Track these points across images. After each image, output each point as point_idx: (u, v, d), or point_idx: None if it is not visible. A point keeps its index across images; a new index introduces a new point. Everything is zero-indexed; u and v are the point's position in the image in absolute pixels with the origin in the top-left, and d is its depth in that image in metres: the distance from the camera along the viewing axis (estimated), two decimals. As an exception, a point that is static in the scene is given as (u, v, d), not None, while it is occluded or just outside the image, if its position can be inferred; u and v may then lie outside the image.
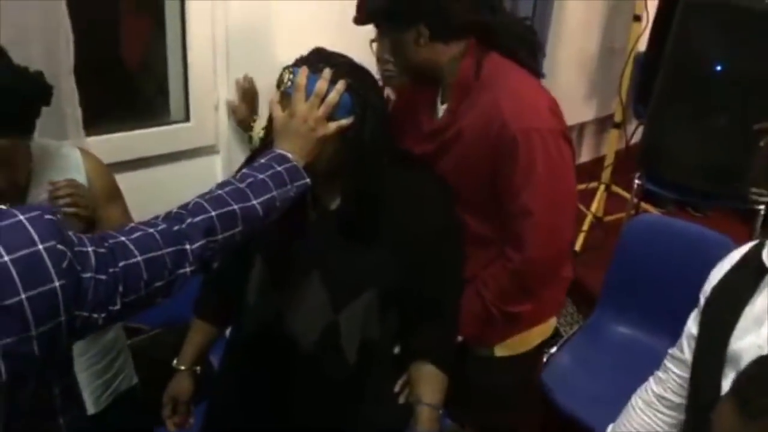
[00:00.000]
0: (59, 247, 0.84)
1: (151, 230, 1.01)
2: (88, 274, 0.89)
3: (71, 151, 1.48)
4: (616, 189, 3.56)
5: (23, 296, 0.80)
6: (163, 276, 1.00)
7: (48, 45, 1.75)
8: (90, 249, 0.90)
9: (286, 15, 2.30)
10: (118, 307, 0.93)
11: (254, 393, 1.48)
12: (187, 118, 2.26)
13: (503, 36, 1.50)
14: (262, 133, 2.12)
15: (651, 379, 1.43)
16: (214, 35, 2.19)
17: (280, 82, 1.32)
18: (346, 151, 1.30)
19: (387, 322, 1.43)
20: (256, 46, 2.27)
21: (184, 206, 1.08)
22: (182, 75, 2.23)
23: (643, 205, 3.43)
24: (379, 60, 1.93)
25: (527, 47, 1.53)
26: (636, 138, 3.32)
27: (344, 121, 1.27)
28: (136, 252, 0.97)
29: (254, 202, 1.12)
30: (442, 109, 1.57)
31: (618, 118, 3.45)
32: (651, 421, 1.39)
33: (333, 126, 1.25)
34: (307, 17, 2.32)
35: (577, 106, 3.88)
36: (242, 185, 1.13)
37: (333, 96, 1.24)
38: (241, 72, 2.27)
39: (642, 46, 3.41)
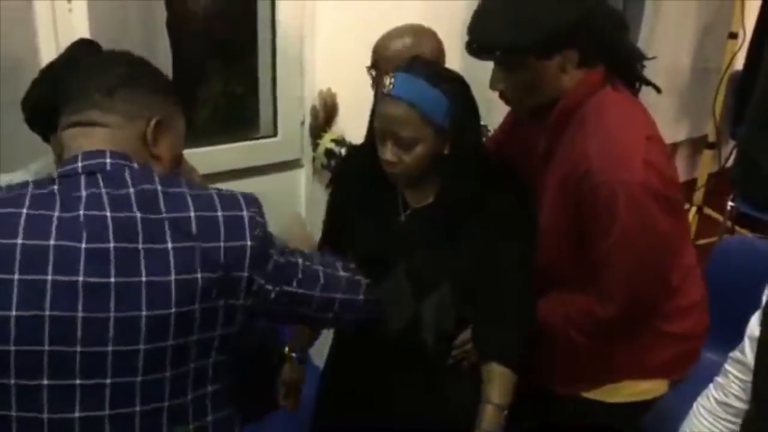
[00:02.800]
0: (258, 218, 1.07)
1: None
2: (273, 251, 1.10)
3: None
4: (708, 211, 3.44)
5: (222, 244, 1.02)
6: (335, 299, 1.24)
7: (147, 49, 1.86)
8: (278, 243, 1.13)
9: (374, 33, 2.36)
10: (293, 288, 1.14)
11: (353, 380, 1.60)
12: (275, 134, 2.36)
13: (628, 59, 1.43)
14: (329, 144, 2.22)
15: (711, 386, 1.38)
16: (301, 56, 2.29)
17: (381, 87, 1.39)
18: (440, 155, 1.39)
19: (462, 316, 1.49)
20: (342, 64, 2.34)
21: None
22: (271, 93, 2.34)
23: (738, 229, 3.29)
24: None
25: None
26: (731, 160, 3.19)
27: None
28: (319, 266, 1.22)
29: None
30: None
31: (711, 138, 3.34)
32: (713, 428, 1.34)
33: None
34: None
35: (668, 126, 3.76)
36: None
37: None
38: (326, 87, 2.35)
39: (739, 64, 3.30)
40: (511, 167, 1.52)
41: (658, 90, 1.50)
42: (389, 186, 1.49)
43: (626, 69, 1.44)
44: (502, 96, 1.46)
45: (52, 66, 1.43)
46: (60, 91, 1.13)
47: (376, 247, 1.51)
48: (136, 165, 1.05)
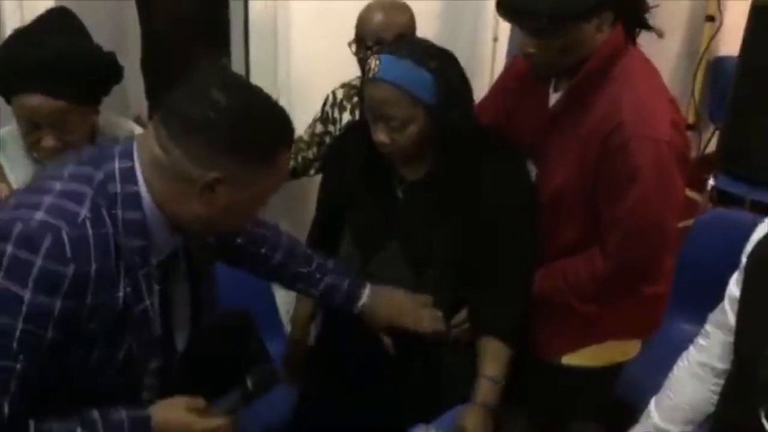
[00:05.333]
0: None
1: None
2: None
3: (133, 127, 1.63)
4: (689, 193, 3.45)
5: None
6: None
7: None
8: None
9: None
10: None
11: (343, 359, 1.60)
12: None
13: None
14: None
15: (692, 348, 1.40)
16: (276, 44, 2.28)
17: (368, 70, 1.39)
18: (433, 132, 1.39)
19: (461, 295, 1.50)
20: (318, 51, 2.33)
21: None
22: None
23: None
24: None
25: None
26: (711, 144, 3.22)
27: None
28: None
29: None
30: (554, 97, 1.51)
31: (691, 121, 3.36)
32: (696, 389, 1.35)
33: None
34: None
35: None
36: None
37: None
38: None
39: (717, 48, 3.31)
40: (502, 135, 1.53)
41: (659, 35, 1.49)
42: (384, 162, 1.49)
43: (633, 16, 1.43)
44: (528, 59, 1.43)
45: (25, 30, 1.44)
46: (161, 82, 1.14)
47: (373, 223, 1.51)
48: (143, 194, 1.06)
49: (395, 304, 1.46)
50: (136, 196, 1.06)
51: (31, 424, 1.04)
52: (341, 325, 1.63)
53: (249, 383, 1.21)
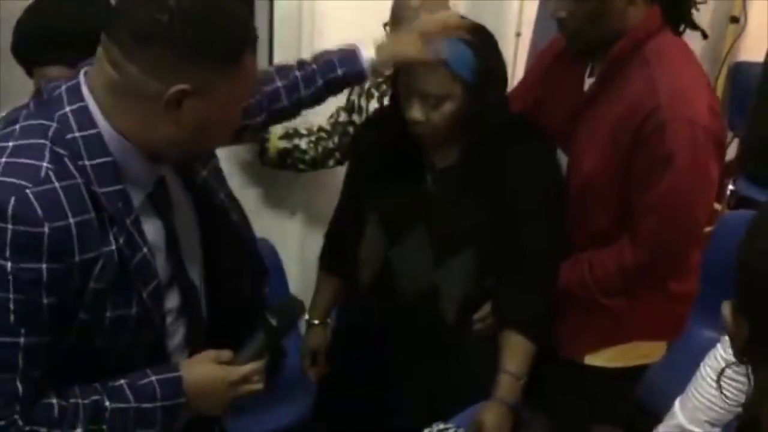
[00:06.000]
0: None
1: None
2: None
3: None
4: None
5: None
6: None
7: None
8: None
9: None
10: None
11: (361, 343, 1.58)
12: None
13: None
14: (280, 144, 2.04)
15: (718, 346, 1.37)
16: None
17: None
18: (468, 112, 1.36)
19: (485, 286, 1.47)
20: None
21: None
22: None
23: (738, 214, 3.26)
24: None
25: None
26: (730, 152, 3.16)
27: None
28: None
29: None
30: (588, 82, 1.49)
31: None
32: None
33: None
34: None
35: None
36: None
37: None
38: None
39: (742, 52, 3.25)
40: (532, 122, 1.51)
41: (705, 35, 1.48)
42: (412, 149, 1.47)
43: (680, 10, 1.42)
44: (560, 25, 1.42)
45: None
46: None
47: (400, 207, 1.49)
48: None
49: (396, 41, 1.39)
50: (98, 138, 0.98)
51: (54, 400, 1.00)
52: (357, 322, 1.62)
53: (272, 320, 1.16)
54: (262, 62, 2.27)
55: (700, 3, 1.44)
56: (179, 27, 0.93)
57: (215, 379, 1.11)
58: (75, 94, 0.99)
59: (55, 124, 0.97)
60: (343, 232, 1.63)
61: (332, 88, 1.42)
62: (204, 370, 1.11)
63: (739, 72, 3.29)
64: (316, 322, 1.70)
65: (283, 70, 1.40)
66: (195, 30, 0.94)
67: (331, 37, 2.22)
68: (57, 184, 0.94)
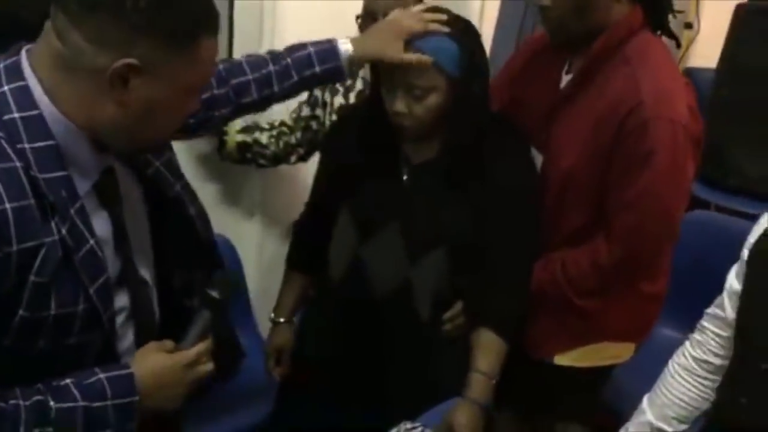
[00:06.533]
0: None
1: None
2: None
3: None
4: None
5: None
6: None
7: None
8: None
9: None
10: None
11: (333, 339, 1.54)
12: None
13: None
14: (238, 137, 1.98)
15: (687, 344, 1.38)
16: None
17: None
18: (451, 106, 1.35)
19: (459, 284, 1.45)
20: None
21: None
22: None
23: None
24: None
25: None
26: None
27: None
28: None
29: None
30: (566, 79, 1.49)
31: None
32: (691, 386, 1.34)
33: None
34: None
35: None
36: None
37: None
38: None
39: (696, 59, 3.31)
40: (507, 119, 1.50)
41: (678, 44, 1.51)
42: (388, 144, 1.45)
43: (659, 16, 1.43)
44: (543, 15, 1.41)
45: None
46: None
47: (374, 203, 1.47)
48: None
49: (375, 39, 1.35)
50: (39, 119, 0.91)
51: None
52: (322, 323, 1.59)
53: (213, 293, 1.09)
54: (221, 50, 2.23)
55: (678, 12, 1.47)
56: None
57: (166, 368, 1.05)
58: (14, 72, 0.93)
59: None
60: (313, 229, 1.59)
61: (307, 84, 1.38)
62: (153, 361, 1.04)
63: (692, 77, 3.35)
64: (282, 320, 1.66)
65: (256, 62, 1.34)
66: (148, 1, 0.88)
67: (292, 28, 2.20)
68: None
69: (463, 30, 1.36)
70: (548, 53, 1.52)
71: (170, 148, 1.17)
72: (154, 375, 1.03)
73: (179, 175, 1.17)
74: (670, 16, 1.46)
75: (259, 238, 2.34)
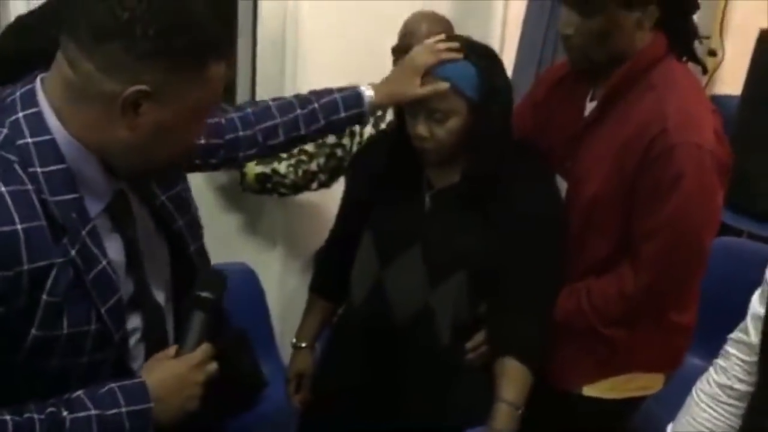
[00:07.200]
0: None
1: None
2: None
3: None
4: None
5: None
6: None
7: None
8: None
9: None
10: None
11: (355, 365, 1.53)
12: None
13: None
14: (257, 169, 2.01)
15: (711, 370, 1.34)
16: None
17: None
18: (472, 130, 1.37)
19: (479, 309, 1.44)
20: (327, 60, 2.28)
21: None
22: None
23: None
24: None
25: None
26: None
27: None
28: None
29: None
30: (590, 106, 1.48)
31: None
32: (716, 414, 1.29)
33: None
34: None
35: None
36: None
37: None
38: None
39: (720, 86, 3.29)
40: (531, 145, 1.51)
41: (705, 70, 1.51)
42: (413, 168, 1.47)
43: (684, 42, 1.43)
44: (566, 43, 1.41)
45: (22, 18, 1.36)
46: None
47: (396, 227, 1.48)
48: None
49: (393, 82, 1.40)
50: (51, 144, 0.93)
51: (8, 417, 0.92)
52: (343, 349, 1.58)
53: (205, 294, 1.09)
54: (244, 92, 2.27)
55: (704, 38, 1.45)
56: (140, 24, 0.89)
57: (176, 370, 1.05)
58: (29, 99, 0.95)
59: (5, 130, 0.93)
60: (337, 255, 1.59)
61: (332, 128, 1.43)
62: (161, 369, 1.05)
63: (718, 105, 3.31)
64: (303, 344, 1.66)
65: (283, 106, 1.39)
66: (156, 29, 0.89)
67: (314, 55, 2.23)
68: (3, 189, 0.90)
69: (480, 54, 1.38)
70: (572, 81, 1.52)
71: (184, 179, 1.19)
72: (165, 382, 1.04)
73: (186, 210, 1.17)
74: (696, 42, 1.46)
75: (281, 266, 2.35)
